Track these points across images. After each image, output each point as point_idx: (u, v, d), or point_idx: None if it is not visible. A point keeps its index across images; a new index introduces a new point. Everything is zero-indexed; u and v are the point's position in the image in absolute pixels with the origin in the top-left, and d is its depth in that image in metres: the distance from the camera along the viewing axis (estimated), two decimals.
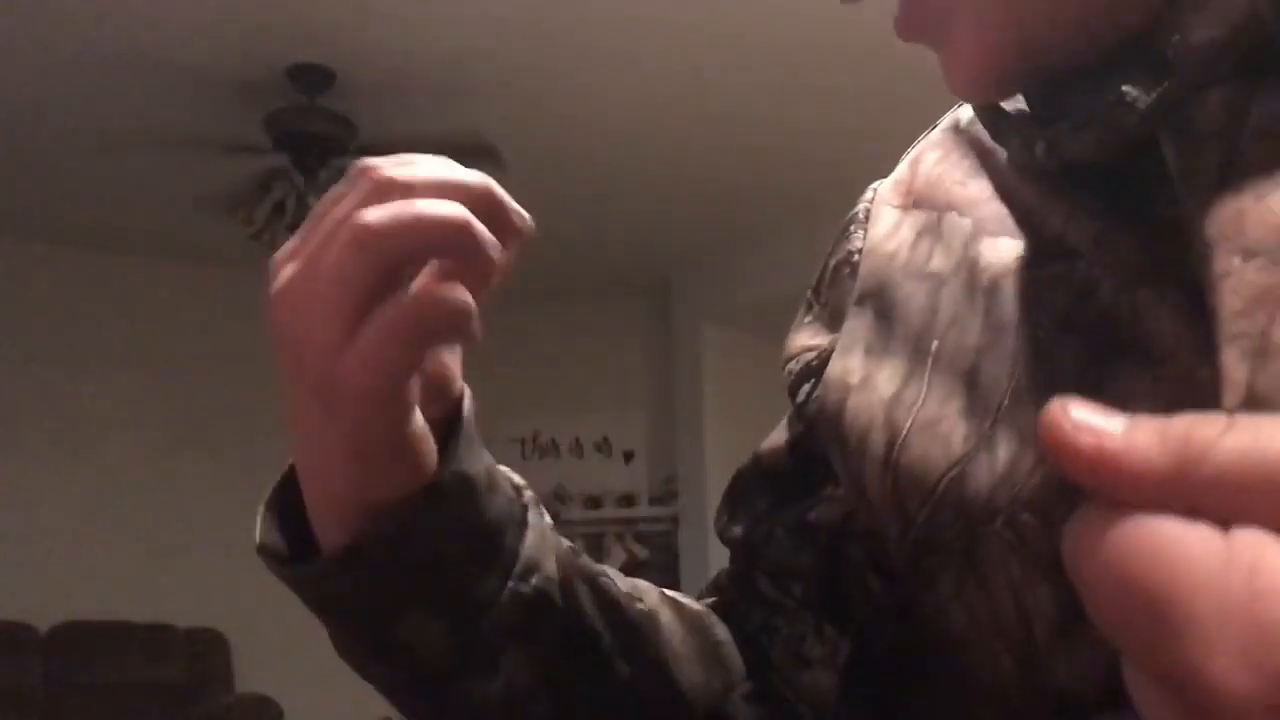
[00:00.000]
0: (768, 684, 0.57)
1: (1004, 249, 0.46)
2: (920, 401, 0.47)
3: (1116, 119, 0.40)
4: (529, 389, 5.70)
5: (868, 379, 0.51)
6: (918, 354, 0.49)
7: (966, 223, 0.49)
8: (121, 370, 5.16)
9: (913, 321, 0.50)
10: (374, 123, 3.82)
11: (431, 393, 0.44)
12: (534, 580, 0.48)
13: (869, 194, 0.59)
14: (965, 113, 0.54)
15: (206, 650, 5.01)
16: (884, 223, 0.55)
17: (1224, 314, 0.35)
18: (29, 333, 5.03)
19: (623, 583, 0.54)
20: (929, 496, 0.45)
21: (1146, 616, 0.22)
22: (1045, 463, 0.40)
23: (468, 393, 0.48)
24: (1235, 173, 0.37)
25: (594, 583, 0.52)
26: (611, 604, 0.52)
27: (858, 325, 0.54)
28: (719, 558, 0.59)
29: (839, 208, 0.60)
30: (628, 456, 6.00)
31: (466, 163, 0.41)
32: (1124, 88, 0.40)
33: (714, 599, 0.61)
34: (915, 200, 0.54)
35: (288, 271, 0.40)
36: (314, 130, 3.77)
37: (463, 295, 0.38)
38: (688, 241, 5.29)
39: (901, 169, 0.57)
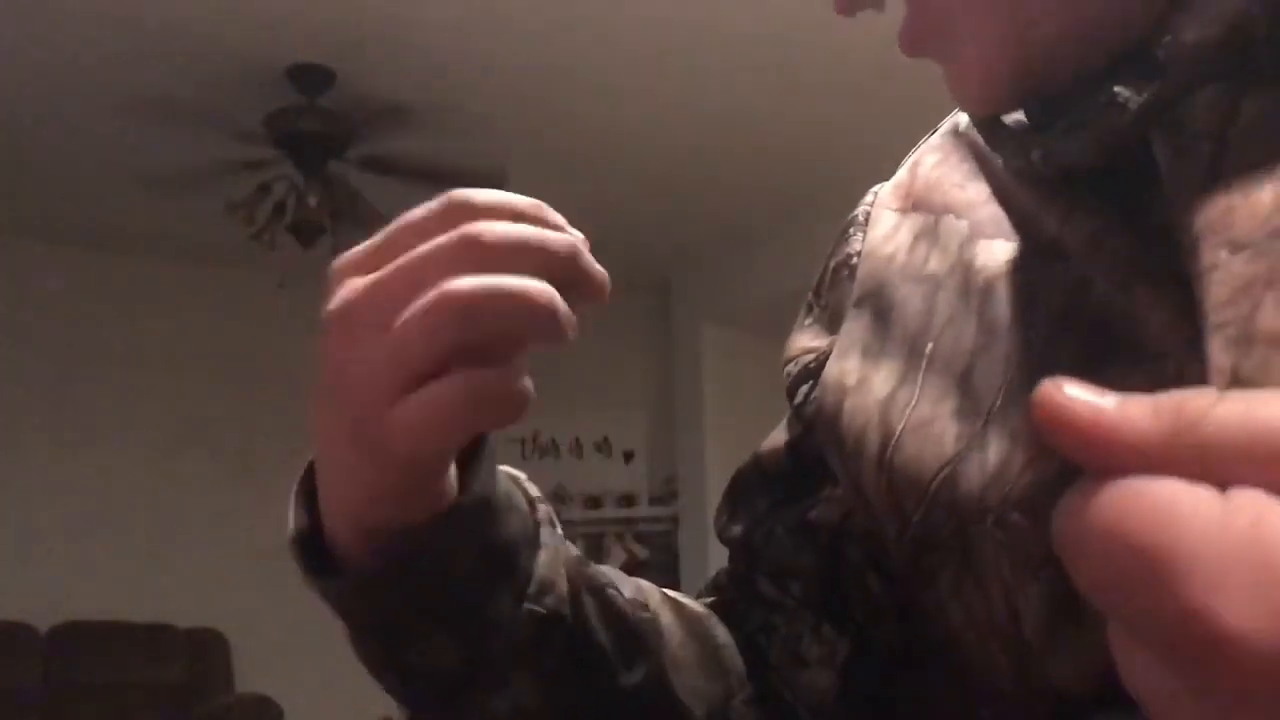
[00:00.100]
0: (766, 684, 0.57)
1: (999, 251, 0.47)
2: (914, 402, 0.47)
3: (1109, 120, 0.40)
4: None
5: (864, 380, 0.51)
6: (913, 355, 0.49)
7: (963, 225, 0.50)
8: (121, 370, 5.16)
9: (909, 323, 0.50)
10: (374, 123, 3.83)
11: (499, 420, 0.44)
12: (547, 600, 0.48)
13: (869, 197, 0.59)
14: (965, 116, 0.54)
15: (206, 650, 5.01)
16: (883, 225, 0.56)
17: (1210, 304, 0.35)
18: (29, 333, 5.02)
19: (627, 589, 0.54)
20: (923, 496, 0.46)
21: (1146, 570, 0.22)
22: (1035, 463, 0.41)
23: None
24: (1224, 170, 0.37)
25: (600, 595, 0.52)
26: (616, 616, 0.52)
27: (855, 327, 0.54)
28: (719, 558, 0.59)
29: (839, 207, 0.60)
30: (628, 456, 6.00)
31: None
32: (1116, 88, 0.40)
33: (713, 599, 0.61)
34: (914, 203, 0.54)
35: (355, 294, 0.38)
36: (314, 130, 3.77)
37: (523, 387, 0.39)
38: (688, 241, 5.29)
39: (901, 172, 0.57)
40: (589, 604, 0.51)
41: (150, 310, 5.31)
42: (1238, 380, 0.34)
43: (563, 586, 0.49)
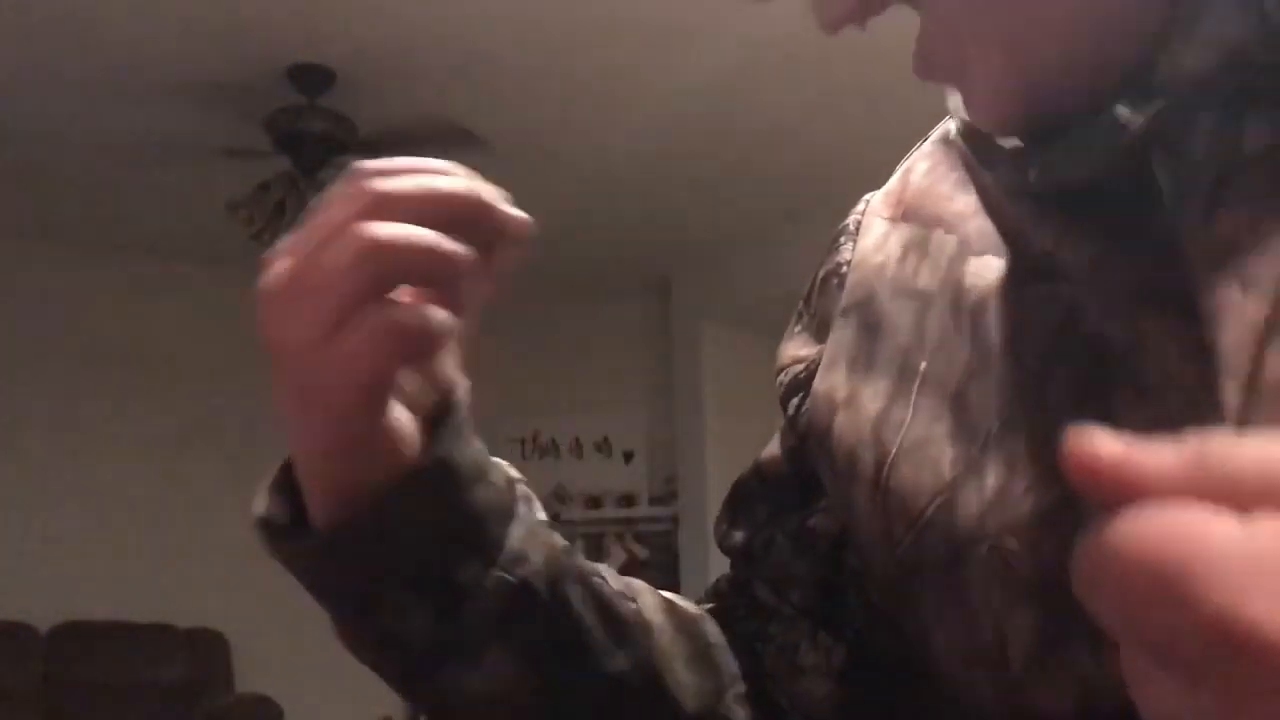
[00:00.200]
0: (762, 692, 0.57)
1: (988, 269, 0.47)
2: (907, 423, 0.47)
3: (1110, 140, 0.40)
4: (529, 389, 5.70)
5: (853, 396, 0.51)
6: (904, 374, 0.49)
7: (952, 240, 0.50)
8: (121, 370, 5.16)
9: (900, 339, 0.50)
10: (374, 123, 3.82)
11: (428, 387, 0.46)
12: (519, 571, 0.49)
13: (861, 205, 0.59)
14: (955, 123, 0.54)
15: (206, 650, 5.01)
16: (873, 234, 0.56)
17: (1224, 347, 0.36)
18: (29, 333, 5.02)
19: (616, 582, 0.54)
20: (915, 520, 0.46)
21: (1168, 584, 0.21)
22: (1035, 490, 0.41)
23: (465, 387, 0.48)
24: (1228, 200, 0.37)
25: (586, 581, 0.52)
26: (602, 603, 0.52)
27: (842, 337, 0.54)
28: (719, 558, 0.59)
29: (840, 208, 0.60)
30: (628, 456, 6.00)
31: (454, 154, 0.43)
32: (1116, 109, 0.40)
33: (713, 605, 0.61)
34: (905, 212, 0.54)
35: (280, 268, 0.41)
36: (314, 130, 3.78)
37: (439, 315, 0.41)
38: (688, 241, 5.29)
39: (894, 180, 0.57)
40: (574, 589, 0.51)
41: (150, 310, 5.30)
42: (1247, 423, 0.35)
43: (537, 561, 0.50)
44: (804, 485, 0.58)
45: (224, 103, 3.81)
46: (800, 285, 0.61)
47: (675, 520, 5.74)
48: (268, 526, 0.46)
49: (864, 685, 0.56)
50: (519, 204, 0.43)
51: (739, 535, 0.61)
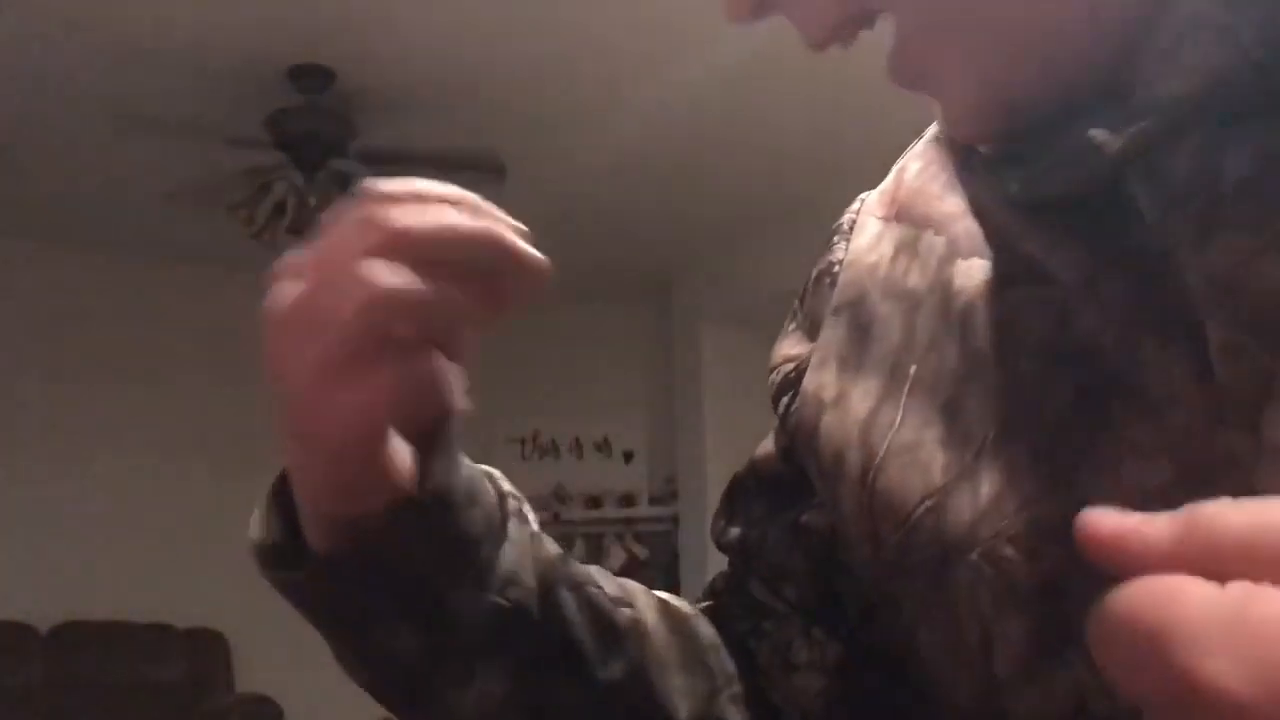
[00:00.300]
0: (755, 689, 0.57)
1: (977, 271, 0.46)
2: (896, 426, 0.47)
3: (1085, 162, 0.40)
4: (529, 389, 5.70)
5: (842, 396, 0.51)
6: (894, 376, 0.49)
7: (940, 242, 0.49)
8: (121, 370, 5.16)
9: (890, 340, 0.50)
10: (374, 123, 3.83)
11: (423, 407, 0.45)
12: (511, 594, 0.49)
13: (856, 204, 0.59)
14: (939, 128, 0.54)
15: (206, 650, 5.01)
16: (867, 234, 0.55)
17: (1237, 395, 0.36)
18: (28, 333, 5.02)
19: (610, 587, 0.54)
20: (902, 523, 0.46)
21: (1152, 644, 0.23)
22: (1032, 500, 0.41)
23: (459, 403, 0.48)
24: (1219, 227, 0.37)
25: (579, 591, 0.52)
26: (596, 611, 0.52)
27: (832, 337, 0.54)
28: (718, 558, 0.59)
29: (840, 208, 0.60)
30: (628, 456, 6.00)
31: (466, 178, 0.42)
32: (1091, 132, 0.40)
33: (708, 603, 0.61)
34: (897, 212, 0.54)
35: (289, 295, 0.41)
36: (314, 130, 3.77)
37: (446, 378, 0.41)
38: (688, 242, 5.29)
39: (888, 179, 0.57)
40: (566, 599, 0.51)
41: (150, 310, 5.31)
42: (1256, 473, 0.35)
43: (529, 580, 0.50)
44: (798, 482, 0.58)
45: (224, 102, 3.81)
46: (800, 285, 0.61)
47: (675, 520, 5.74)
48: (263, 553, 0.46)
49: (857, 682, 0.56)
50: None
51: (735, 532, 0.61)
